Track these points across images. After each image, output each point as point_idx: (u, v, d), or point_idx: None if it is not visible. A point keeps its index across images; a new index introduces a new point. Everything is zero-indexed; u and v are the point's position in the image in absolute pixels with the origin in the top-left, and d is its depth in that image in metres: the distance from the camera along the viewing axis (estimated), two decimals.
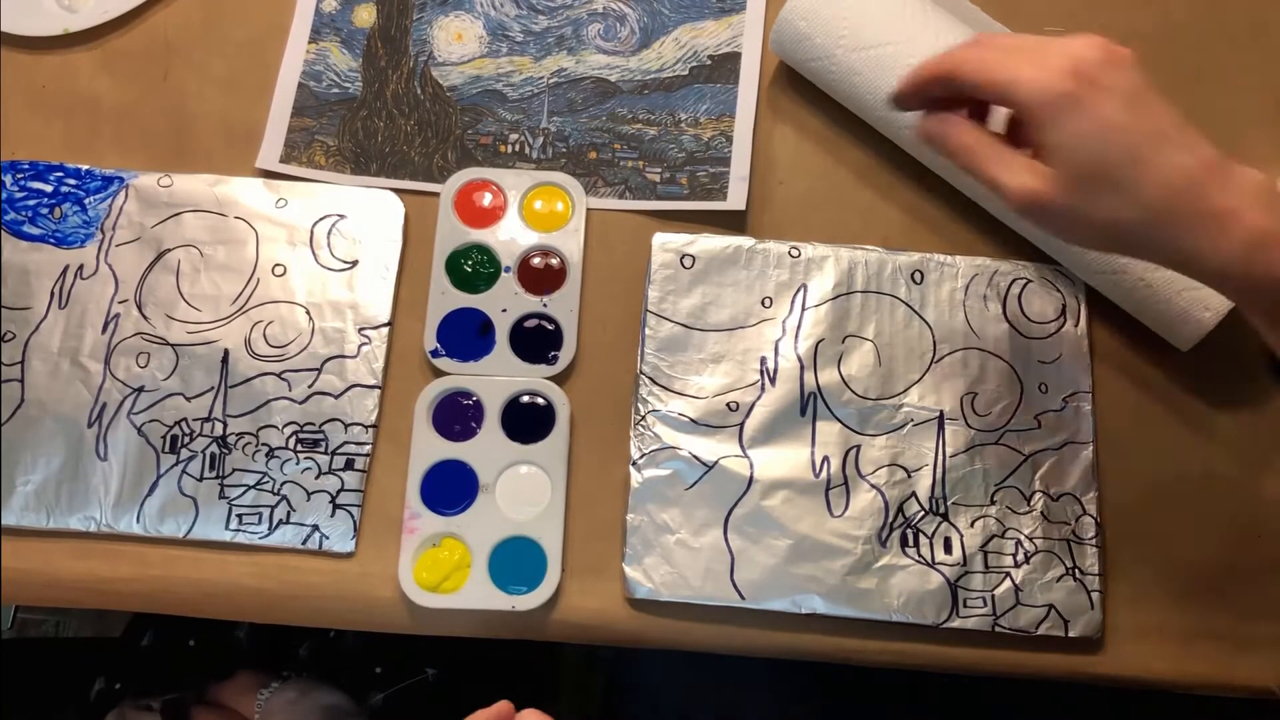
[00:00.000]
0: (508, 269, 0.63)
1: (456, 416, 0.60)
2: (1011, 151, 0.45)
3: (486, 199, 0.65)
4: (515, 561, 0.57)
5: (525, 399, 0.60)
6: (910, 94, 0.48)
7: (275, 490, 0.59)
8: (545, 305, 0.62)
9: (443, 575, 0.57)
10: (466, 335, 0.61)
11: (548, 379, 0.60)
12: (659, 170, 0.66)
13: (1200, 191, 0.42)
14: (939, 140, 0.48)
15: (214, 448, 0.60)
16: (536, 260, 0.63)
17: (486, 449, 0.59)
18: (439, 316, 0.62)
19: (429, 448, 0.59)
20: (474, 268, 0.63)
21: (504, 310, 0.62)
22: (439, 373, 0.61)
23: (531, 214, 0.64)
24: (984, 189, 0.48)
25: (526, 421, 0.60)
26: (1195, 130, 0.44)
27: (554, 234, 0.63)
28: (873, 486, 0.59)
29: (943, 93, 0.48)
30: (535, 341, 0.61)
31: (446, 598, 0.56)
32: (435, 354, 0.61)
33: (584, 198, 0.64)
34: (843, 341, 0.61)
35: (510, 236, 0.64)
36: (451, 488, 0.59)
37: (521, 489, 0.59)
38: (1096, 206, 0.43)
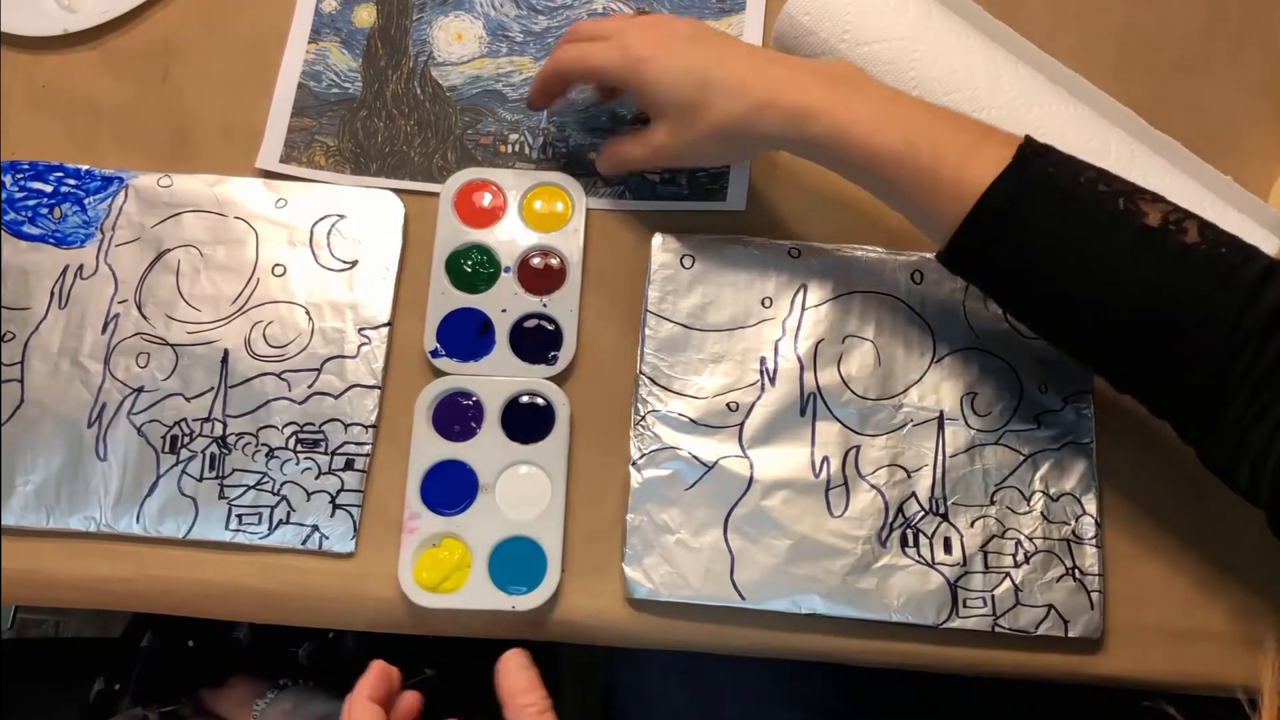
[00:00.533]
0: (507, 269, 0.63)
1: (456, 417, 0.60)
2: (627, 136, 0.61)
3: (486, 199, 0.65)
4: (515, 561, 0.57)
5: (525, 399, 0.60)
6: (539, 98, 0.64)
7: (275, 490, 0.59)
8: (545, 305, 0.62)
9: (443, 575, 0.57)
10: (466, 335, 0.61)
11: (548, 379, 0.60)
12: (659, 170, 0.66)
13: (763, 81, 0.54)
14: (608, 164, 0.64)
15: (214, 448, 0.60)
16: (536, 260, 0.63)
17: (486, 449, 0.59)
18: (439, 316, 0.62)
19: (429, 448, 0.59)
20: (474, 268, 0.63)
21: (504, 310, 0.62)
22: (439, 373, 0.61)
23: (531, 214, 0.64)
24: None
25: (526, 422, 0.60)
26: (738, 45, 0.58)
27: (554, 234, 0.63)
28: (872, 486, 0.59)
29: (563, 87, 0.64)
30: (535, 341, 0.61)
31: (446, 598, 0.56)
32: (435, 354, 0.61)
33: (584, 198, 0.64)
34: (843, 341, 0.61)
35: (510, 237, 0.64)
36: (451, 488, 0.58)
37: (521, 489, 0.58)
38: (697, 124, 0.56)
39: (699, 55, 0.56)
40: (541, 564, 0.57)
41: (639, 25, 0.58)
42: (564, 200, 0.64)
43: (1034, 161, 0.50)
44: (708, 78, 0.55)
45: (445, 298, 0.62)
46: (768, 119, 0.54)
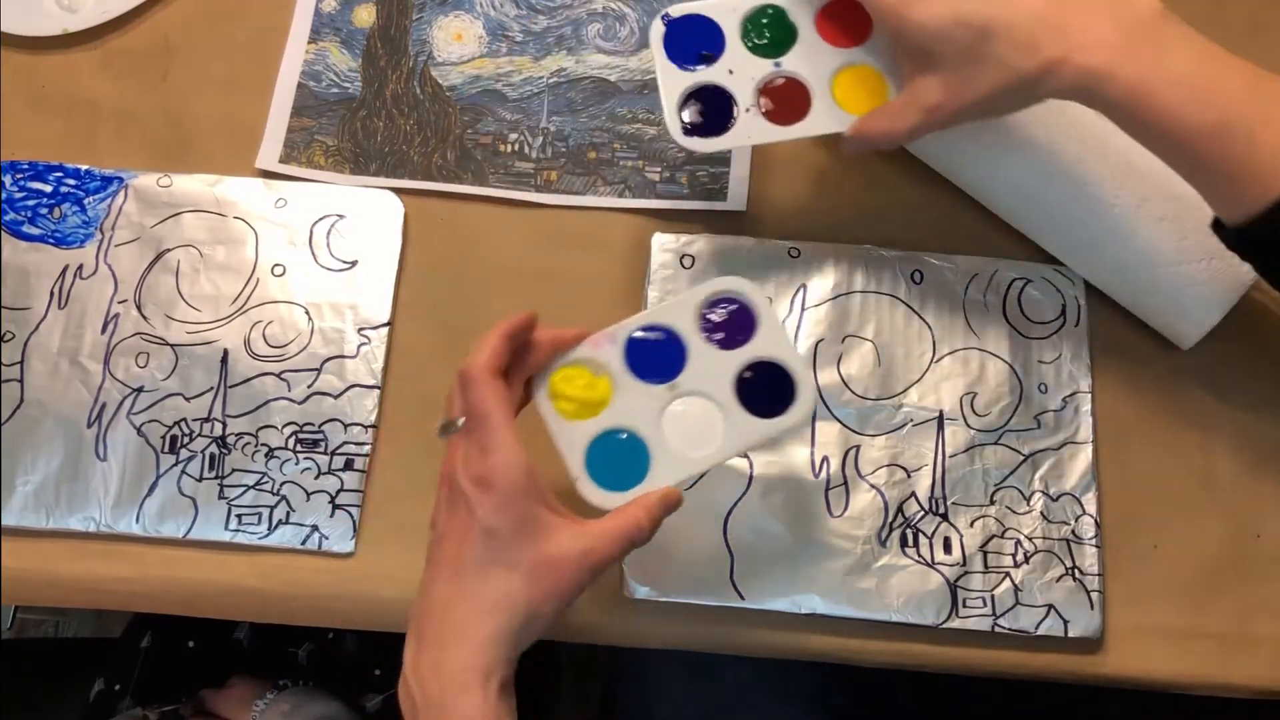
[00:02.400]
0: (779, 63, 0.57)
1: (724, 320, 0.53)
2: (891, 106, 0.54)
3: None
4: (620, 456, 0.51)
5: (775, 364, 0.52)
6: None
7: (275, 490, 0.59)
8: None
9: (569, 395, 0.51)
10: (692, 46, 0.58)
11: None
12: (659, 170, 0.66)
13: (1054, 34, 0.47)
14: (865, 142, 0.56)
15: (213, 448, 0.60)
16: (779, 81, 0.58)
17: (713, 366, 0.52)
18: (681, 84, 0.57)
19: (680, 316, 0.53)
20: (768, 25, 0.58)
21: (730, 72, 0.57)
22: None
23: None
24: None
25: (764, 385, 0.52)
26: None
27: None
28: (872, 486, 0.59)
29: None
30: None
31: (554, 412, 0.51)
32: (665, 18, 0.58)
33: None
34: (842, 341, 0.61)
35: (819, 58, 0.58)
36: (656, 360, 0.52)
37: (696, 423, 0.52)
38: (977, 83, 0.49)
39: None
40: (631, 482, 0.50)
41: None
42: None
43: None
44: (989, 26, 0.47)
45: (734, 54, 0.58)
46: (1059, 78, 0.47)
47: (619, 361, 0.52)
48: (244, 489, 0.59)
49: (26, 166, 0.66)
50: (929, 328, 0.62)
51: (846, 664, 0.57)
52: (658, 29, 0.58)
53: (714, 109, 0.57)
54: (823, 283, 0.62)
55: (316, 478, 0.59)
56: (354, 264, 0.64)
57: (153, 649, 0.76)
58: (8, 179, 0.65)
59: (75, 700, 0.76)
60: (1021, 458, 0.59)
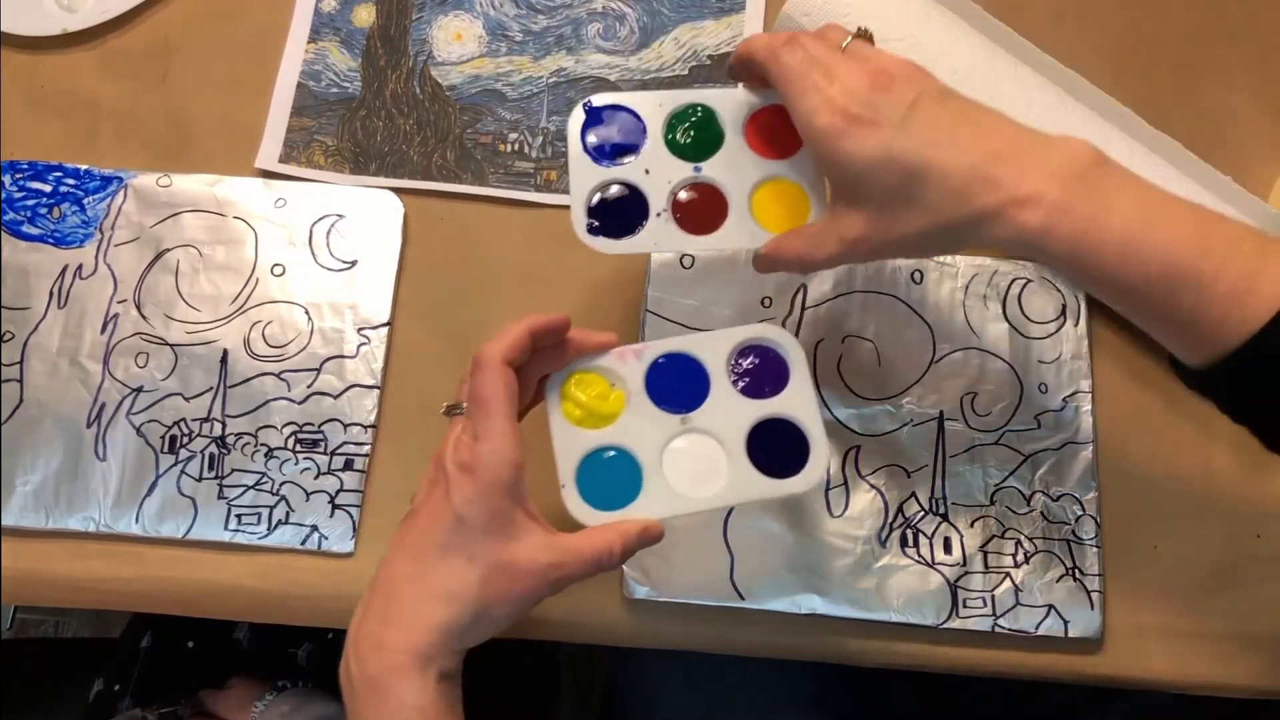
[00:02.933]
0: (698, 167, 0.54)
1: (753, 366, 0.52)
2: (803, 230, 0.51)
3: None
4: (612, 477, 0.50)
5: (783, 422, 0.51)
6: (738, 66, 0.52)
7: (274, 490, 0.59)
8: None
9: (579, 401, 0.50)
10: (609, 140, 0.55)
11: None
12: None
13: (987, 186, 0.44)
14: (776, 263, 0.52)
15: (213, 448, 0.60)
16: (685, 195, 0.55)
17: (730, 410, 0.51)
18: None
19: (711, 351, 0.51)
20: (691, 130, 0.55)
21: (646, 172, 0.54)
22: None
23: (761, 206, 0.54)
24: None
25: (777, 441, 0.51)
26: (984, 119, 0.46)
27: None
28: (872, 487, 0.58)
29: (756, 74, 0.51)
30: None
31: (559, 412, 0.50)
32: (587, 106, 0.55)
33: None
34: (842, 341, 0.61)
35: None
36: (675, 386, 0.51)
37: (699, 462, 0.50)
38: (901, 224, 0.46)
39: (910, 134, 0.45)
40: (616, 504, 0.49)
41: (857, 74, 0.47)
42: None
43: None
44: (920, 170, 0.45)
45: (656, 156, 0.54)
46: (995, 230, 0.44)
47: (639, 380, 0.51)
48: (243, 489, 0.59)
49: (26, 166, 0.65)
50: (929, 328, 0.62)
51: (846, 664, 0.57)
52: (577, 116, 0.54)
53: (624, 208, 0.53)
54: (823, 283, 0.62)
55: (316, 478, 0.59)
56: (354, 264, 0.64)
57: (152, 649, 0.76)
58: (7, 179, 0.65)
59: (75, 700, 0.76)
60: (1022, 458, 0.59)
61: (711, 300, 0.62)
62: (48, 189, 0.65)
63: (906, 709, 0.67)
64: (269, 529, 0.58)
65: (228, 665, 0.75)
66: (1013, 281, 0.62)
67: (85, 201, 0.65)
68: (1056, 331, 0.61)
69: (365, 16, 0.70)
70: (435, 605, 0.44)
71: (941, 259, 0.63)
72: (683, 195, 0.54)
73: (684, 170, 0.54)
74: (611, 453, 0.50)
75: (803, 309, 0.62)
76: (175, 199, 0.65)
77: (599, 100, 0.55)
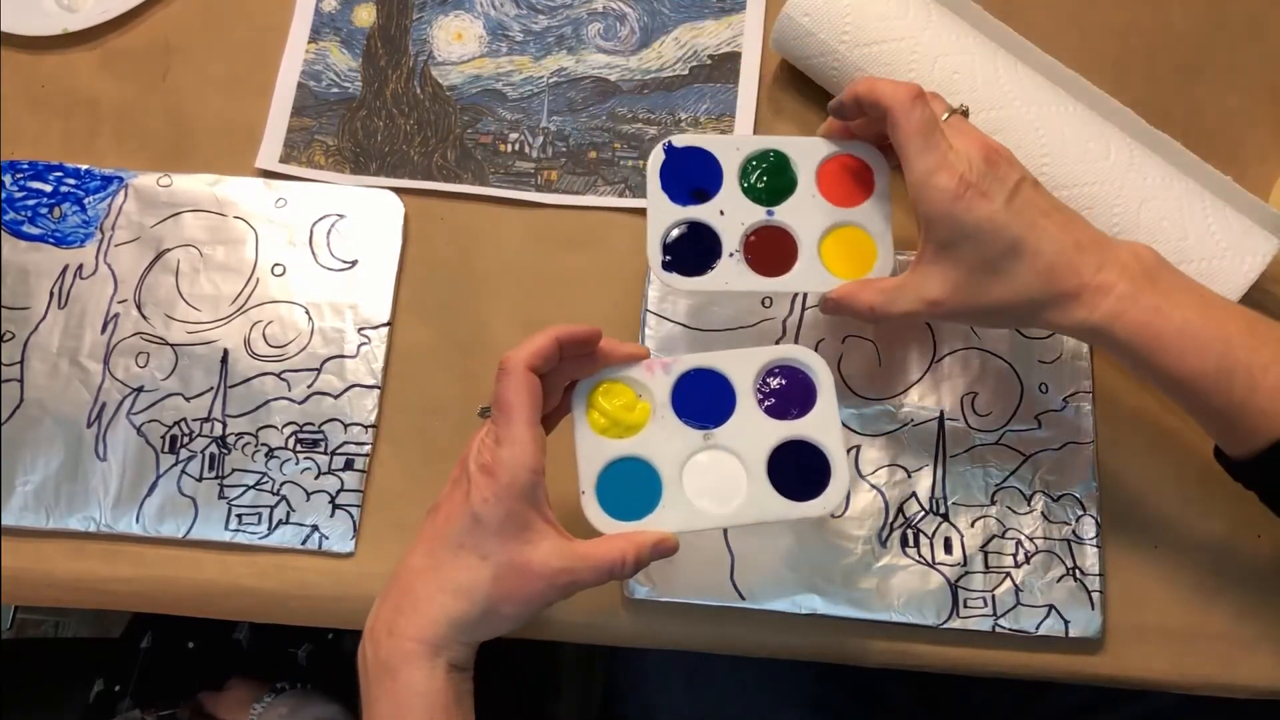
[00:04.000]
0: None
1: (781, 386, 0.52)
2: (887, 284, 0.53)
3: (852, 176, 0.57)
4: (631, 486, 0.50)
5: (807, 444, 0.51)
6: (850, 104, 0.54)
7: (275, 490, 0.59)
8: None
9: (605, 410, 0.51)
10: (687, 179, 0.57)
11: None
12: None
13: (1070, 271, 0.49)
14: (846, 308, 0.55)
15: (213, 448, 0.60)
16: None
17: (754, 429, 0.51)
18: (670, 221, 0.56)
19: (739, 368, 0.52)
20: (763, 177, 0.57)
21: (721, 214, 0.56)
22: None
23: (830, 250, 0.57)
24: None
25: (797, 462, 0.51)
26: (1068, 212, 0.51)
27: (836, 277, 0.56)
28: (873, 486, 0.58)
29: (865, 115, 0.54)
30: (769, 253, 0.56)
31: (585, 419, 0.50)
32: (668, 146, 0.57)
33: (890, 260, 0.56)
34: (843, 341, 0.61)
35: (812, 217, 0.57)
36: (703, 404, 0.51)
37: (719, 477, 0.51)
38: (984, 293, 0.50)
39: (1014, 212, 0.49)
40: (633, 514, 0.50)
41: (970, 146, 0.50)
42: (870, 250, 0.57)
43: None
44: (1019, 244, 0.49)
45: (730, 202, 0.56)
46: (1066, 312, 0.49)
47: (665, 393, 0.51)
48: (244, 489, 0.59)
49: (26, 166, 0.65)
50: (929, 328, 0.62)
51: (846, 664, 0.57)
52: (657, 156, 0.57)
53: (699, 247, 0.56)
54: None
55: (316, 478, 0.59)
56: (354, 264, 0.64)
57: (152, 649, 0.76)
58: (8, 179, 0.65)
59: (75, 700, 0.76)
60: (1022, 458, 0.59)
61: (711, 300, 0.62)
62: (48, 189, 0.65)
63: (906, 709, 0.67)
64: (269, 529, 0.58)
65: (228, 665, 0.75)
66: None
67: (86, 201, 0.65)
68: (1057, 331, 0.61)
69: (365, 16, 0.70)
70: (447, 598, 0.46)
71: None
72: (754, 238, 0.56)
73: (757, 213, 0.56)
74: (633, 463, 0.50)
75: (803, 309, 0.62)
76: (175, 199, 0.65)
77: (679, 141, 0.57)
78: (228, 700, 0.73)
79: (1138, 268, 0.49)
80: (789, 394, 0.52)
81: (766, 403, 0.52)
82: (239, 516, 0.59)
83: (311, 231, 0.64)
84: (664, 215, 0.56)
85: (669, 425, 0.51)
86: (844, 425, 0.59)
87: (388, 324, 0.62)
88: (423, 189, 0.66)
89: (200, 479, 0.59)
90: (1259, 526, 0.59)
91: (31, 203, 0.65)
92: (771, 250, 0.56)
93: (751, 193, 0.57)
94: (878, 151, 0.57)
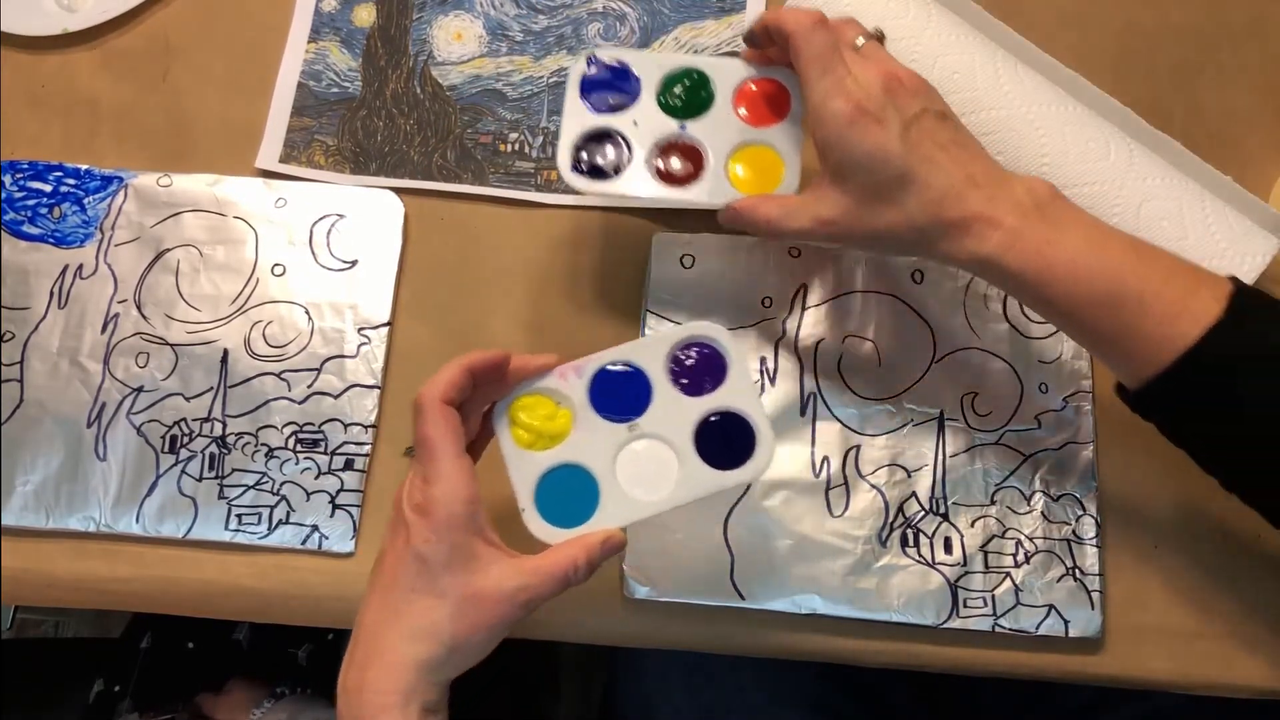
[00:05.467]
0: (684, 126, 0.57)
1: (692, 365, 0.52)
2: (787, 200, 0.55)
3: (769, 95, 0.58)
4: (570, 492, 0.50)
5: (728, 416, 0.51)
6: (760, 32, 0.56)
7: (275, 490, 0.59)
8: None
9: (527, 425, 0.51)
10: (605, 92, 0.58)
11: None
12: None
13: (958, 204, 0.49)
14: (741, 219, 0.56)
15: (213, 448, 0.60)
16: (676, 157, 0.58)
17: (675, 411, 0.51)
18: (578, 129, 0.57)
19: (647, 355, 0.52)
20: (686, 91, 0.58)
21: (635, 124, 0.57)
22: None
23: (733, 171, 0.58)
24: None
25: (723, 434, 0.51)
26: (969, 147, 0.52)
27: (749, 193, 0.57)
28: (873, 486, 0.58)
29: (775, 44, 0.55)
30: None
31: (510, 439, 0.50)
32: (590, 59, 0.58)
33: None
34: (843, 341, 0.61)
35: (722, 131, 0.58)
36: (619, 398, 0.51)
37: (650, 466, 0.51)
38: (874, 218, 0.51)
39: (908, 143, 0.50)
40: (577, 520, 0.49)
41: (871, 74, 0.51)
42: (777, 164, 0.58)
43: (1247, 319, 0.47)
44: (908, 174, 0.49)
45: (646, 115, 0.58)
46: (956, 243, 0.50)
47: (582, 395, 0.51)
48: (244, 489, 0.59)
49: (26, 166, 0.65)
50: (929, 328, 0.62)
51: (847, 664, 0.57)
52: (579, 66, 0.58)
53: (609, 154, 0.57)
54: (823, 283, 0.62)
55: (316, 478, 0.59)
56: (354, 264, 0.64)
57: (152, 649, 0.76)
58: (8, 179, 0.65)
59: (75, 700, 0.76)
60: (1022, 458, 0.59)
61: (711, 300, 0.62)
62: (48, 189, 0.65)
63: (906, 709, 0.67)
64: (269, 529, 0.58)
65: (228, 666, 0.75)
66: None
67: (85, 201, 0.65)
68: (1056, 331, 0.61)
69: (365, 16, 0.70)
70: (411, 645, 0.45)
71: None
72: (665, 150, 0.57)
73: (670, 126, 0.57)
74: (566, 470, 0.50)
75: (803, 309, 0.62)
76: (175, 199, 0.65)
77: (602, 54, 0.58)
78: (226, 703, 0.72)
79: (1029, 201, 0.49)
80: (701, 370, 0.52)
81: (681, 382, 0.52)
82: (239, 516, 0.59)
83: (311, 231, 0.64)
84: (579, 121, 0.57)
85: (592, 426, 0.51)
86: (844, 425, 0.59)
87: (388, 324, 0.62)
88: (423, 189, 0.66)
89: (200, 479, 0.59)
90: (1259, 526, 0.59)
91: (31, 203, 0.65)
92: (681, 165, 0.57)
93: (667, 107, 0.58)
94: (797, 77, 0.56)
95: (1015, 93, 0.61)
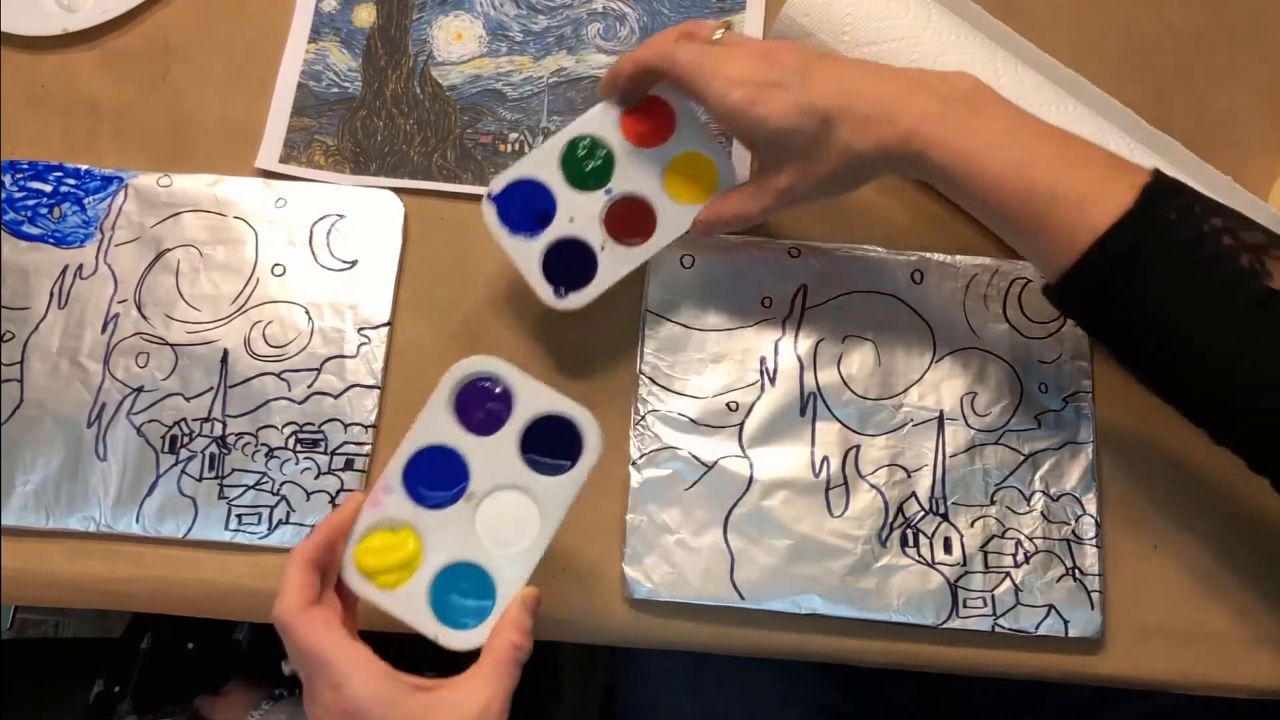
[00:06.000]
0: (609, 191, 0.58)
1: (480, 404, 0.52)
2: (733, 191, 0.57)
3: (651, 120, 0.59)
4: (462, 589, 0.50)
5: (556, 419, 0.51)
6: (628, 83, 0.57)
7: (275, 490, 0.59)
8: (602, 248, 0.58)
9: (385, 567, 0.50)
10: (523, 211, 0.58)
11: (554, 306, 0.57)
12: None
13: (884, 116, 0.50)
14: (714, 225, 0.58)
15: (213, 448, 0.60)
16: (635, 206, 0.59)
17: (493, 455, 0.51)
18: (520, 174, 0.58)
19: (436, 424, 0.51)
20: (587, 160, 0.59)
21: (571, 220, 0.58)
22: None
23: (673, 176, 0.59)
24: None
25: (546, 445, 0.51)
26: (870, 67, 0.53)
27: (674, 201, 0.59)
28: (872, 486, 0.59)
29: (651, 82, 0.57)
30: (571, 265, 0.58)
31: (377, 593, 0.50)
32: (490, 197, 0.58)
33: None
34: (843, 341, 0.61)
35: (642, 170, 0.59)
36: (438, 477, 0.51)
37: (507, 518, 0.51)
38: (823, 164, 0.52)
39: (814, 88, 0.51)
40: (485, 607, 0.49)
41: (745, 54, 0.53)
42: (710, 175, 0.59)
43: (1157, 209, 0.45)
44: (831, 115, 0.50)
45: (539, 163, 0.58)
46: (891, 153, 0.50)
47: (406, 504, 0.50)
48: (244, 489, 0.59)
49: (26, 166, 0.65)
50: (929, 328, 0.62)
51: (846, 664, 0.57)
52: (488, 210, 0.58)
53: (574, 260, 0.58)
54: (823, 283, 0.62)
55: (316, 478, 0.59)
56: (354, 264, 0.64)
57: (152, 650, 0.76)
58: (8, 179, 0.65)
59: (75, 700, 0.76)
60: (1022, 458, 0.59)
61: (711, 300, 0.62)
62: (48, 189, 0.65)
63: (907, 709, 0.67)
64: (269, 529, 0.58)
65: (227, 666, 0.75)
66: (1013, 281, 0.62)
67: (85, 201, 0.65)
68: (1057, 331, 0.61)
69: (365, 16, 0.70)
70: None
71: (943, 259, 0.63)
72: (611, 219, 0.58)
73: (599, 199, 0.58)
74: (445, 577, 0.50)
75: (803, 309, 0.62)
76: (175, 199, 0.65)
77: (498, 185, 0.58)
78: (225, 705, 0.72)
79: (950, 92, 0.50)
80: (487, 403, 0.52)
81: (480, 430, 0.51)
82: (239, 516, 0.59)
83: (311, 231, 0.64)
84: (528, 254, 0.58)
85: (435, 523, 0.50)
86: (844, 425, 0.59)
87: (388, 324, 0.62)
88: (423, 189, 0.66)
89: (200, 479, 0.59)
90: (1259, 526, 0.59)
91: (31, 203, 0.65)
92: (631, 220, 0.58)
93: (583, 183, 0.58)
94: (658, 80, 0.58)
95: (1015, 93, 0.60)
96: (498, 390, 0.52)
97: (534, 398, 0.52)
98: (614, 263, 0.58)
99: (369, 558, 0.50)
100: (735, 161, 0.64)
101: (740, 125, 0.53)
